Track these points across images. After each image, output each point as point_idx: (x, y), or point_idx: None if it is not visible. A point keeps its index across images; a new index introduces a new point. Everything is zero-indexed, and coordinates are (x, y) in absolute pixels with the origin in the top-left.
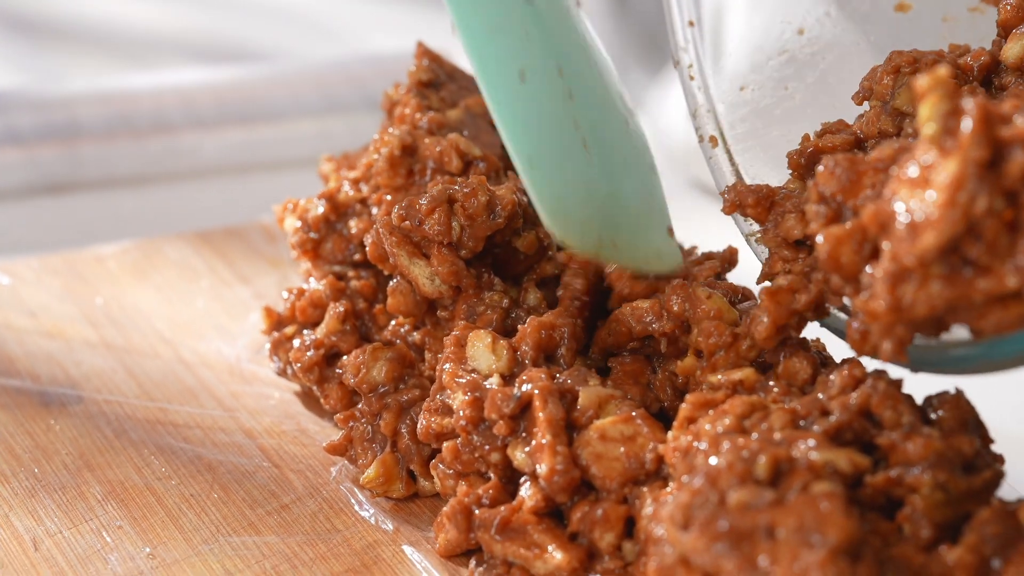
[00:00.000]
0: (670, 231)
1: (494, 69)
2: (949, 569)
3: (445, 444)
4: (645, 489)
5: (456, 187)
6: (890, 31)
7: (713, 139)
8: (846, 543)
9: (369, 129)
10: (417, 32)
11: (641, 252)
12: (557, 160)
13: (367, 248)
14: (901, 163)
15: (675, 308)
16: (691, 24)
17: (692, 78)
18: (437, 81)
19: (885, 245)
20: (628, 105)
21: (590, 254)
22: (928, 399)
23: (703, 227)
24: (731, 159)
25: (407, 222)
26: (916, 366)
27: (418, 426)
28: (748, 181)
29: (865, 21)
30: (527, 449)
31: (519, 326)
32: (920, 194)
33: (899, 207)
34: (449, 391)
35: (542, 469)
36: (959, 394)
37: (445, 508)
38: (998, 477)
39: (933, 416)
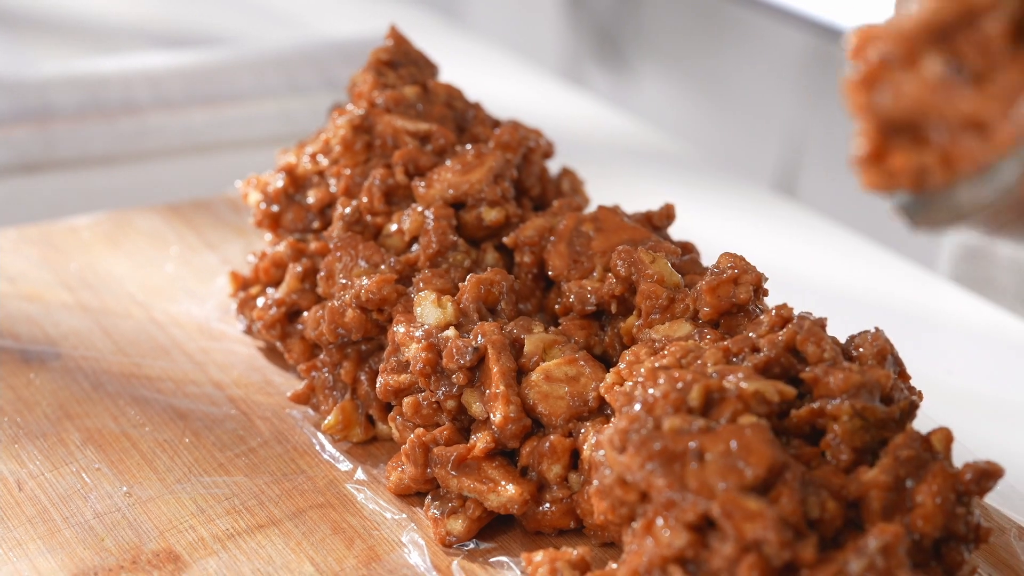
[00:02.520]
0: None
1: None
2: (865, 487)
3: (405, 400)
4: (588, 424)
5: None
6: None
7: None
8: (767, 471)
9: (327, 108)
10: (370, 20)
11: None
12: None
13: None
14: None
15: (621, 272)
16: None
17: None
18: (396, 61)
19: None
20: None
21: None
22: (850, 337)
23: None
24: None
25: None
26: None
27: (377, 385)
28: None
29: None
30: (482, 398)
31: (460, 284)
32: None
33: None
34: (404, 347)
35: (496, 417)
36: (879, 332)
37: (404, 446)
38: (914, 407)
39: (854, 352)
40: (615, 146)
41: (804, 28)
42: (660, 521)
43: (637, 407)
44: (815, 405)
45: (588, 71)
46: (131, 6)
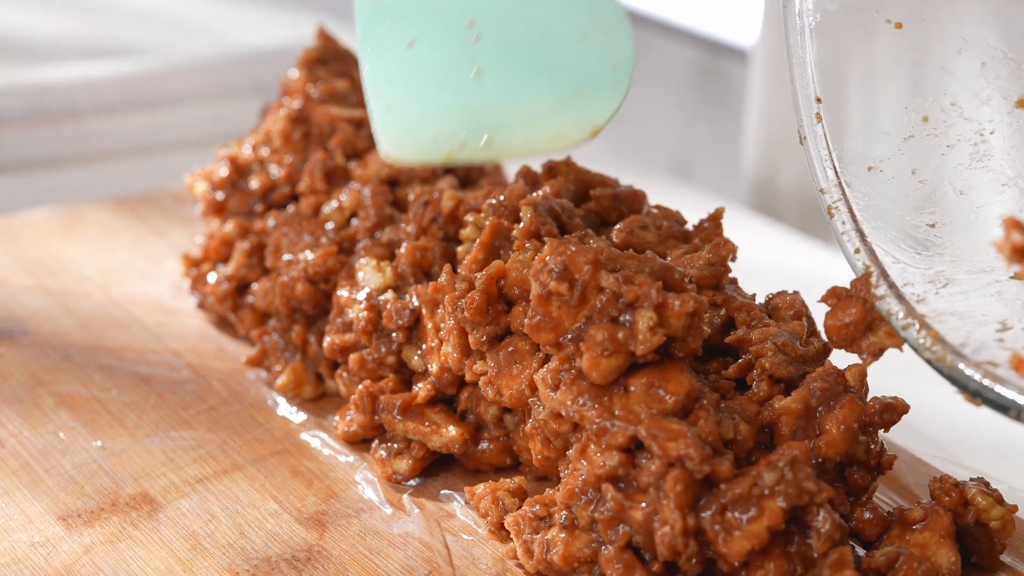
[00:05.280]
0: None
1: (379, 42)
2: (778, 414)
3: (351, 357)
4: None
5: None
6: (1015, 127)
7: (851, 215)
8: (685, 397)
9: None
10: (280, 30)
11: (526, 139)
12: (424, 100)
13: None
14: None
15: None
16: (818, 100)
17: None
18: (325, 58)
19: None
20: (609, 13)
21: (435, 162)
22: (768, 297)
23: None
24: (864, 237)
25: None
26: None
27: (324, 345)
28: (884, 261)
29: (990, 114)
30: (420, 352)
31: (397, 251)
32: None
33: None
34: (348, 309)
35: (433, 368)
36: (796, 294)
37: (353, 397)
38: (828, 349)
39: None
40: None
41: (690, 43)
42: (593, 447)
43: (567, 351)
44: (740, 333)
45: None
46: (66, 22)
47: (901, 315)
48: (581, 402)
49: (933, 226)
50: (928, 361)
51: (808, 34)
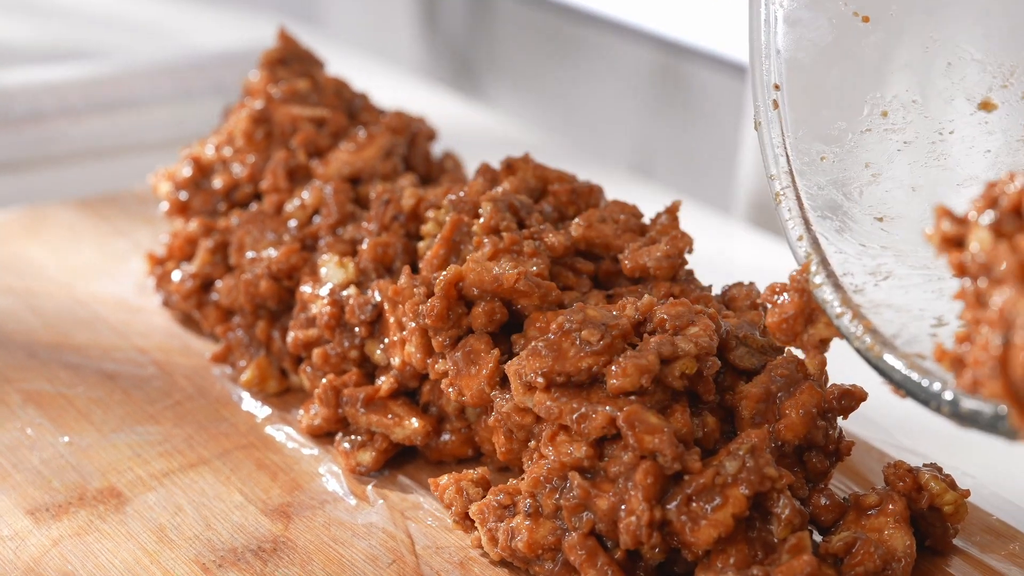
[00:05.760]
0: None
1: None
2: (738, 398)
3: (314, 351)
4: None
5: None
6: (976, 128)
7: (799, 203)
8: (662, 393)
9: (218, 113)
10: (247, 33)
11: None
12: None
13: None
14: None
15: None
16: (776, 87)
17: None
18: (286, 59)
19: None
20: None
21: None
22: (725, 288)
23: None
24: (808, 226)
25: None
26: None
27: (288, 340)
28: (827, 250)
29: (952, 114)
30: (382, 346)
31: (359, 247)
32: None
33: None
34: (311, 305)
35: (395, 362)
36: (752, 285)
37: (316, 391)
38: None
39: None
40: (482, 138)
41: (648, 44)
42: (561, 436)
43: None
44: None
45: (444, 93)
46: (28, 26)
47: (836, 304)
48: (560, 398)
49: (881, 219)
50: (857, 350)
51: (773, 21)
